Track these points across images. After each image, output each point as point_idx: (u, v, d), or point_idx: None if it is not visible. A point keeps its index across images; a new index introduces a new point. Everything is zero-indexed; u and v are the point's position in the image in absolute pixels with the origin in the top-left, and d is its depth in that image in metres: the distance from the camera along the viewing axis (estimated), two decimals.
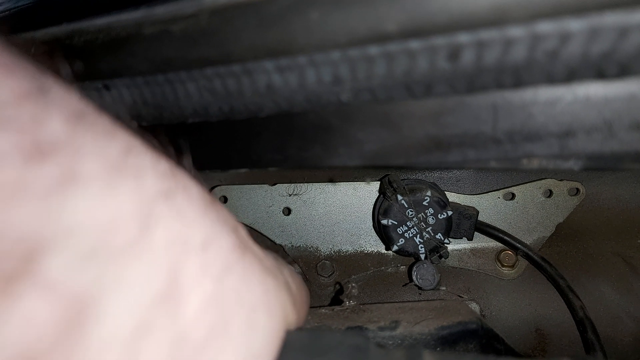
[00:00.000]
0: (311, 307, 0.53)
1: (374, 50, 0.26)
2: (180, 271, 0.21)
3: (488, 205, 0.70)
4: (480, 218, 0.67)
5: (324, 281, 0.73)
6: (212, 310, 0.22)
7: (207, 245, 0.22)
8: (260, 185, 0.72)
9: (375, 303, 0.54)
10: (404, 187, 0.63)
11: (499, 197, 0.70)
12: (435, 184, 0.69)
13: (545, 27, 0.23)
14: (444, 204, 0.63)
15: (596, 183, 0.70)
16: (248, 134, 0.35)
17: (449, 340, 0.46)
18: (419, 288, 0.64)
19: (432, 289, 0.64)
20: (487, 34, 0.24)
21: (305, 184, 0.71)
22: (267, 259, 0.28)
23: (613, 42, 0.23)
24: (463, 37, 0.24)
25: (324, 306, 0.52)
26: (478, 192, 0.71)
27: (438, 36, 0.25)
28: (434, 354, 0.27)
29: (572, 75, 0.25)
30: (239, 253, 0.24)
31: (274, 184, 0.71)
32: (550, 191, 0.68)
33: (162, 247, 0.20)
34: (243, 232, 0.26)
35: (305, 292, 0.35)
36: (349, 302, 0.51)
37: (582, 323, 0.58)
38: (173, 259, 0.20)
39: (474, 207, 0.68)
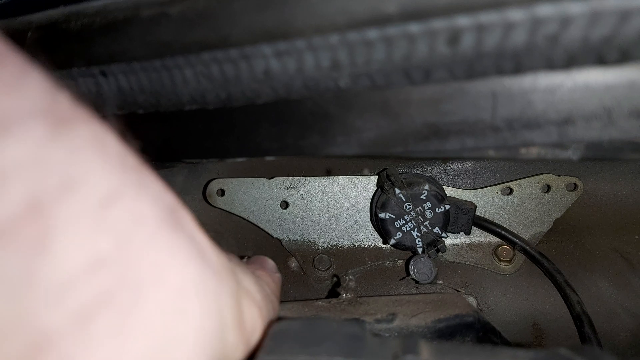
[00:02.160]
0: (308, 300, 0.53)
1: (373, 34, 0.26)
2: (50, 210, 0.18)
3: (486, 200, 0.70)
4: (477, 213, 0.67)
5: (321, 275, 0.73)
6: (108, 274, 0.19)
7: (113, 202, 0.20)
8: (257, 178, 0.71)
9: (372, 296, 0.54)
10: (401, 181, 0.63)
11: (496, 192, 0.69)
12: (433, 178, 0.69)
13: (545, 10, 0.23)
14: (441, 197, 0.63)
15: (594, 178, 0.70)
16: (245, 121, 0.35)
17: (445, 333, 0.46)
18: (416, 282, 0.64)
19: (429, 283, 0.64)
20: (487, 17, 0.24)
21: (302, 177, 0.71)
22: (218, 258, 0.26)
23: (614, 26, 0.23)
24: (463, 21, 0.24)
25: (320, 298, 0.52)
26: (476, 187, 0.70)
27: (438, 19, 0.24)
28: (430, 343, 0.27)
29: (572, 60, 0.25)
30: (167, 230, 0.22)
31: (272, 177, 0.71)
32: (548, 186, 0.68)
33: (15, 167, 0.17)
34: (183, 215, 0.24)
35: (273, 308, 0.32)
36: (346, 295, 0.51)
37: (579, 318, 0.58)
38: (36, 189, 0.18)
39: (471, 202, 0.68)
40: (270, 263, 0.42)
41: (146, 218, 0.21)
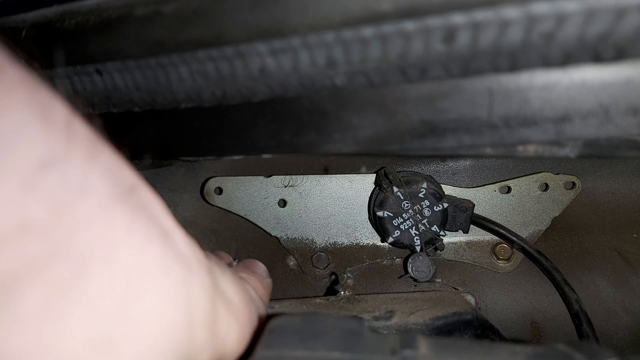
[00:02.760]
0: (306, 297, 0.53)
1: (368, 31, 0.26)
2: None
3: (484, 199, 0.70)
4: (476, 211, 0.67)
5: (319, 273, 0.73)
6: (37, 241, 0.18)
7: (50, 167, 0.18)
8: (255, 176, 0.71)
9: (370, 294, 0.54)
10: (399, 179, 0.63)
11: (495, 191, 0.69)
12: (431, 177, 0.69)
13: (540, 7, 0.23)
14: (439, 196, 0.63)
15: (592, 177, 0.70)
16: (241, 119, 0.35)
17: (444, 330, 0.46)
18: (414, 280, 0.64)
19: (428, 281, 0.64)
20: (482, 15, 0.24)
21: (300, 175, 0.71)
22: (192, 251, 0.24)
23: (610, 23, 0.23)
24: (458, 18, 0.24)
25: (318, 296, 0.52)
26: (474, 185, 0.70)
27: (433, 16, 0.24)
28: (428, 338, 0.27)
29: (568, 58, 0.25)
30: (121, 207, 0.21)
31: (270, 176, 0.71)
32: (547, 185, 0.68)
33: None
34: (147, 197, 0.23)
35: (258, 312, 0.31)
36: (344, 292, 0.51)
37: (577, 316, 0.58)
38: None
39: (469, 200, 0.67)
40: (261, 267, 0.40)
41: (93, 189, 0.20)
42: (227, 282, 0.28)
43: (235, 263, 0.41)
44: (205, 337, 0.24)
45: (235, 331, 0.27)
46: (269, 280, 0.38)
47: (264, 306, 0.33)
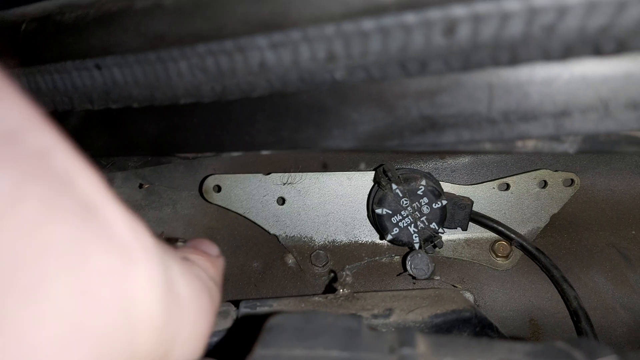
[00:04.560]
0: (304, 295, 0.52)
1: (368, 24, 0.26)
2: None
3: (483, 196, 0.70)
4: (474, 208, 0.67)
5: (318, 271, 0.73)
6: None
7: None
8: (254, 174, 0.71)
9: (369, 291, 0.54)
10: (398, 177, 0.63)
11: (493, 188, 0.69)
12: (430, 174, 0.69)
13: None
14: (438, 193, 0.63)
15: (591, 174, 0.70)
16: (240, 115, 0.35)
17: (442, 328, 0.46)
18: (413, 278, 0.64)
19: (426, 279, 0.64)
20: (483, 7, 0.24)
21: (299, 173, 0.71)
22: (129, 233, 0.19)
23: (611, 16, 0.23)
24: (459, 10, 0.24)
25: (317, 294, 0.52)
26: (473, 183, 0.70)
27: (434, 8, 0.24)
28: (426, 336, 0.27)
29: (568, 51, 0.25)
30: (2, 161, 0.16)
31: (268, 174, 0.71)
32: (545, 182, 0.68)
33: None
34: (63, 161, 0.18)
35: (211, 296, 0.27)
36: (343, 290, 0.51)
37: (576, 313, 0.58)
38: None
39: (468, 198, 0.68)
40: (211, 245, 0.34)
41: None
42: (177, 273, 0.23)
43: (181, 244, 0.35)
44: (152, 346, 0.20)
45: (186, 331, 0.23)
46: (220, 260, 0.33)
47: (217, 288, 0.29)
